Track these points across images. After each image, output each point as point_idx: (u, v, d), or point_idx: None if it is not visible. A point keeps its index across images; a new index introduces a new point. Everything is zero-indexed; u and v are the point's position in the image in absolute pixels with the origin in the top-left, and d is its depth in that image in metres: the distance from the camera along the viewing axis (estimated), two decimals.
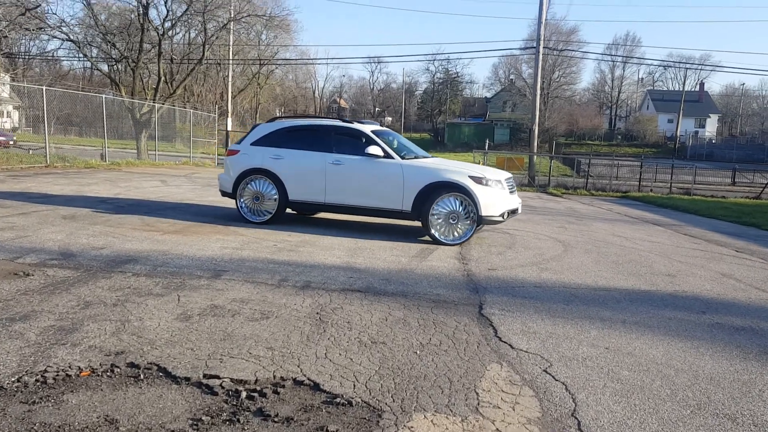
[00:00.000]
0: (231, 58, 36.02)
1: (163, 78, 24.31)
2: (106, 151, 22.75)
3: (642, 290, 6.20)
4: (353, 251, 7.32)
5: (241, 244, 7.30)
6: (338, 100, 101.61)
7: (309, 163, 8.86)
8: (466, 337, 4.27)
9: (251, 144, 9.29)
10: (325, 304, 4.86)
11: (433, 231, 8.37)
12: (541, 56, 26.96)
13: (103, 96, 21.78)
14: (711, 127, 76.97)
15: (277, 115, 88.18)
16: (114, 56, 24.23)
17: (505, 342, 4.22)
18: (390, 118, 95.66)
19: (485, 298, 5.39)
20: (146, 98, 24.42)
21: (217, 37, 26.72)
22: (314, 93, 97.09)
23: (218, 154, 30.47)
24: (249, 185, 9.17)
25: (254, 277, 5.66)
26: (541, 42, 26.84)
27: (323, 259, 6.72)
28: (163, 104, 24.74)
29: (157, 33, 22.67)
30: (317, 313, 4.58)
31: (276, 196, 9.03)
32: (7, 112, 56.02)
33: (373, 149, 8.52)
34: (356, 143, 8.85)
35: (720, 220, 15.10)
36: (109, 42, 23.41)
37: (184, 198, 12.17)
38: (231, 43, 36.01)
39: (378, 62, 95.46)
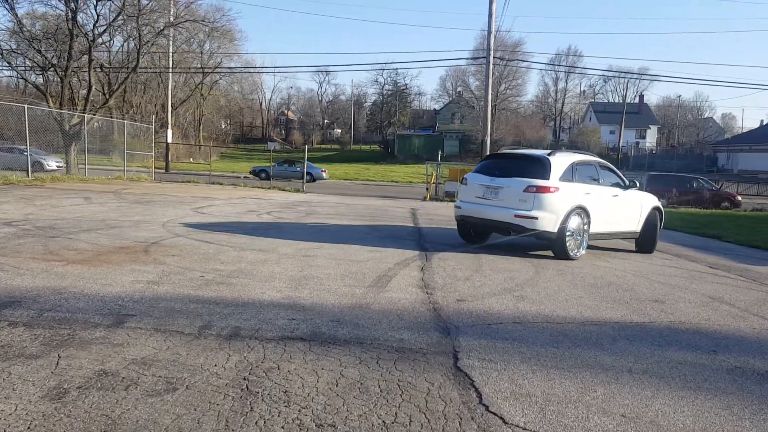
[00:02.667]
0: (171, 67, 34.19)
1: (95, 87, 22.46)
2: (29, 166, 20.78)
3: (635, 323, 5.33)
4: (297, 282, 6.18)
5: (159, 276, 6.06)
6: (286, 112, 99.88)
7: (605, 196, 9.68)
8: (443, 407, 3.22)
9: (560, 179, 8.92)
10: (257, 362, 3.72)
11: None
12: (491, 66, 26.52)
13: (25, 106, 19.83)
14: (651, 137, 79.42)
15: (223, 126, 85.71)
16: (41, 64, 22.24)
17: (494, 413, 3.19)
18: (339, 130, 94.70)
19: (459, 343, 4.37)
20: (76, 109, 22.50)
21: (153, 44, 25.00)
22: (261, 105, 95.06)
23: (156, 168, 28.65)
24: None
25: (168, 323, 4.46)
26: (491, 52, 26.42)
27: (260, 293, 5.56)
28: (94, 115, 22.87)
29: (87, 39, 20.88)
30: (244, 379, 3.44)
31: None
32: None
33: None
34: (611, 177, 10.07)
35: (681, 232, 14.70)
36: (36, 49, 21.45)
37: (106, 218, 10.73)
38: (171, 51, 34.24)
39: (326, 73, 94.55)
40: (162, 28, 22.34)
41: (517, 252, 9.40)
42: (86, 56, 22.50)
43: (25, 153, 19.53)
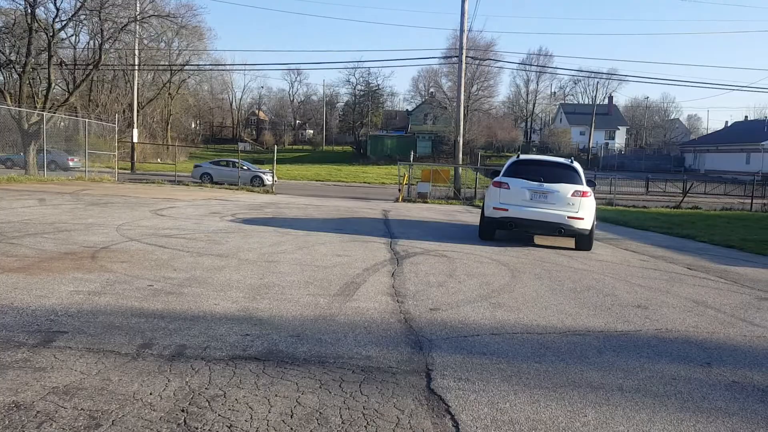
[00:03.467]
0: (137, 64, 33.15)
1: (56, 85, 21.49)
2: None
3: (620, 332, 4.97)
4: (256, 291, 5.68)
5: (103, 286, 5.49)
6: (257, 112, 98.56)
7: None
8: None
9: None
10: (200, 388, 3.23)
11: None
12: (464, 65, 26.27)
13: None
14: (620, 138, 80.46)
15: (193, 126, 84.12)
16: None
17: None
18: (311, 131, 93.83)
19: (433, 359, 3.94)
20: (35, 107, 21.48)
21: (116, 41, 24.09)
22: (231, 105, 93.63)
23: (120, 169, 27.66)
24: None
25: (103, 341, 3.92)
26: (464, 51, 26.17)
27: (213, 305, 5.04)
28: (54, 113, 21.88)
29: (47, 34, 19.90)
30: (182, 411, 2.94)
31: None
32: None
33: None
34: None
35: (654, 233, 14.56)
36: None
37: (57, 220, 10.03)
38: (137, 47, 33.21)
39: (298, 72, 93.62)
40: (126, 23, 21.45)
41: (490, 254, 9.03)
42: (47, 53, 21.51)
43: None
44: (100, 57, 22.36)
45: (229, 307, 4.98)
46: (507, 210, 10.20)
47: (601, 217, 18.56)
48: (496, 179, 10.72)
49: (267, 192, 23.45)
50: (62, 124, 23.27)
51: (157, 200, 15.55)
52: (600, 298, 6.30)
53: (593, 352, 4.36)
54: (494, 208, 10.39)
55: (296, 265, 7.21)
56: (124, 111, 43.34)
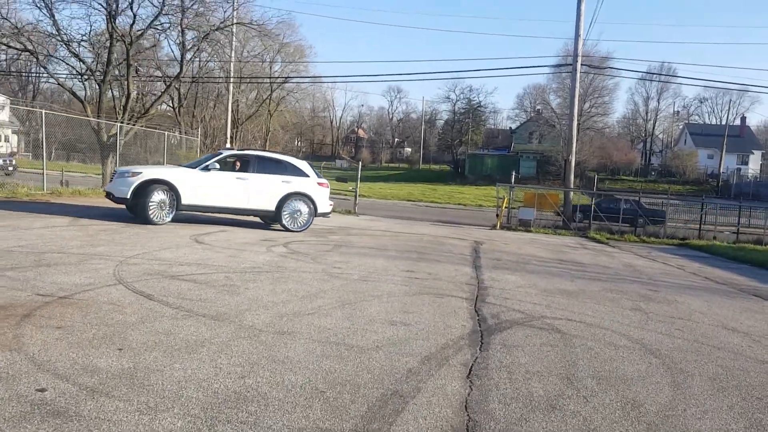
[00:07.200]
0: (231, 76, 32.53)
1: (133, 95, 20.67)
2: (61, 177, 19.14)
3: None
4: (215, 410, 3.11)
5: None
6: (357, 129, 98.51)
7: None
8: None
9: None
10: None
11: None
12: (578, 74, 22.81)
13: (43, 111, 18.25)
14: (754, 164, 71.33)
15: (296, 143, 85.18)
16: (79, 70, 20.71)
17: None
18: (409, 149, 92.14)
19: None
20: (115, 119, 20.75)
21: (198, 49, 23.14)
22: (332, 122, 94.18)
23: None
24: None
25: None
26: (579, 58, 22.73)
27: None
28: (134, 125, 21.07)
29: (125, 43, 19.06)
30: None
31: None
32: (5, 137, 53.60)
33: None
34: None
35: None
36: (73, 53, 19.90)
37: (63, 246, 8.11)
38: (232, 57, 32.58)
39: (398, 90, 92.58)
40: (207, 32, 20.25)
41: (627, 329, 5.93)
42: (133, 62, 20.77)
43: None
44: (181, 68, 21.40)
45: None
46: None
47: (750, 260, 14.68)
48: None
49: (349, 212, 21.22)
50: (128, 135, 22.32)
51: (217, 218, 13.65)
52: None
53: None
54: None
55: (318, 342, 4.60)
56: (222, 127, 43.46)
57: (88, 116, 19.93)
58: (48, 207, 13.39)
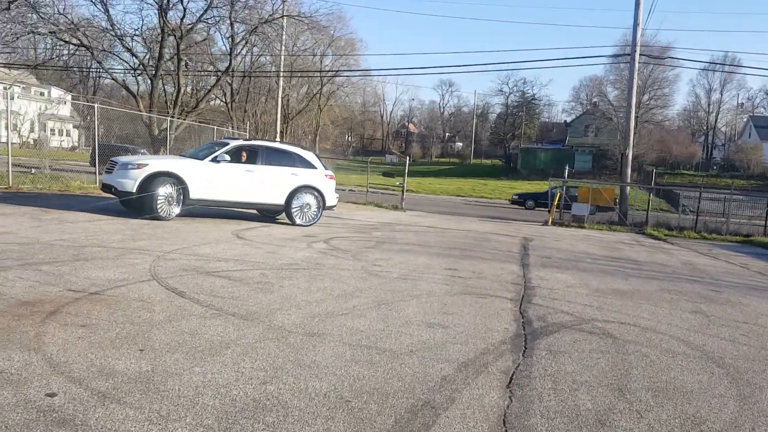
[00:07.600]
0: (281, 69, 32.69)
1: (184, 90, 21.05)
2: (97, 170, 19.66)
3: None
4: (233, 419, 2.91)
5: None
6: (407, 124, 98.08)
7: None
8: None
9: None
10: None
11: None
12: (637, 64, 21.76)
13: (96, 105, 18.78)
14: None
15: (346, 138, 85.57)
16: (132, 65, 21.26)
17: None
18: (461, 144, 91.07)
19: None
20: (167, 113, 21.19)
21: (248, 42, 23.34)
22: (382, 117, 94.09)
23: None
24: None
25: None
26: (638, 47, 21.68)
27: None
28: (184, 119, 21.45)
29: (175, 36, 19.40)
30: None
31: None
32: (67, 131, 55.92)
33: None
34: None
35: None
36: (126, 47, 20.43)
37: (104, 240, 8.19)
38: (282, 52, 32.78)
39: (449, 84, 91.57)
40: (255, 25, 20.37)
41: (686, 334, 5.43)
42: (183, 57, 21.15)
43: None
44: (230, 62, 21.63)
45: None
46: None
47: None
48: None
49: (396, 208, 20.97)
50: (179, 130, 22.65)
51: (257, 215, 13.65)
52: None
53: None
54: None
55: (349, 345, 4.35)
56: (272, 122, 43.97)
57: (140, 110, 20.41)
58: (96, 201, 13.70)
